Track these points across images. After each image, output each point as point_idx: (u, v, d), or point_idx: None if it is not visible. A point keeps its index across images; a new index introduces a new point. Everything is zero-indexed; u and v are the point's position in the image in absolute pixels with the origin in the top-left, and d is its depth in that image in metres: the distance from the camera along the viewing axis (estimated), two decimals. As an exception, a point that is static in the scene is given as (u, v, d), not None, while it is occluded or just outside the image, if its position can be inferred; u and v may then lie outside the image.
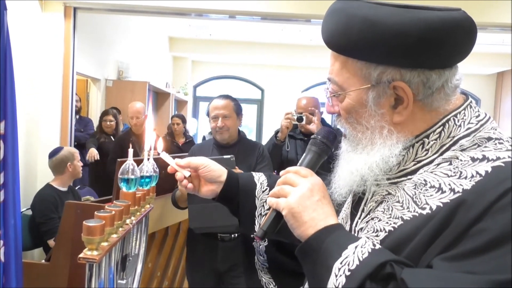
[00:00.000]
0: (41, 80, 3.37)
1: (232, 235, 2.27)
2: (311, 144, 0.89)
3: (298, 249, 0.75)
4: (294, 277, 0.96)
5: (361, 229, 0.80)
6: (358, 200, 0.85)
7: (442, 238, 0.66)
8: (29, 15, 3.19)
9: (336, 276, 0.67)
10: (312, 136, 0.90)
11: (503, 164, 0.68)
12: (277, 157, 2.80)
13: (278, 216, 0.81)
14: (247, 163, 2.25)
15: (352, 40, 0.73)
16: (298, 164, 0.87)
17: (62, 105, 3.47)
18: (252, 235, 0.91)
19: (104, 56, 5.20)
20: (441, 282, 0.61)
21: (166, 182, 2.34)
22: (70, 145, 3.50)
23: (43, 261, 2.70)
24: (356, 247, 0.69)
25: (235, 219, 2.13)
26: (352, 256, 0.67)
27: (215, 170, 1.00)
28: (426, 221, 0.69)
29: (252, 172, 1.11)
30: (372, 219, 0.78)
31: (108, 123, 4.34)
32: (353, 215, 0.85)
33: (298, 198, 0.76)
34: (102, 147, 4.19)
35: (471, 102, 0.80)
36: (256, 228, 1.04)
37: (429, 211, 0.69)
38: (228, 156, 2.07)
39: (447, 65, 0.74)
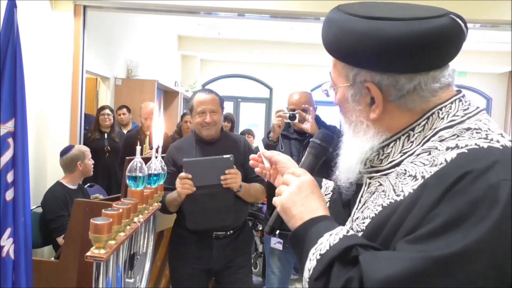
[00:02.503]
0: (51, 78, 3.39)
1: (228, 232, 2.23)
2: (310, 147, 0.98)
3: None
4: None
5: (357, 218, 0.86)
6: (356, 192, 0.91)
7: (407, 222, 0.71)
8: (39, 14, 3.21)
9: (310, 260, 0.75)
10: (311, 139, 0.99)
11: (466, 151, 0.71)
12: None
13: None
14: (235, 159, 2.13)
15: (333, 44, 0.83)
16: (299, 165, 0.97)
17: (71, 103, 3.48)
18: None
19: (113, 55, 5.22)
20: (390, 261, 0.67)
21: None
22: (80, 143, 3.51)
23: (53, 258, 2.72)
24: (330, 234, 0.76)
25: (230, 219, 2.14)
26: (325, 243, 0.75)
27: (292, 168, 1.07)
28: (398, 206, 0.75)
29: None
30: (366, 208, 0.84)
31: (105, 116, 4.26)
32: (352, 206, 0.91)
33: (288, 194, 0.85)
34: (93, 145, 4.04)
35: (462, 96, 0.82)
36: None
37: (402, 198, 0.75)
38: (228, 156, 2.05)
39: (419, 69, 0.78)
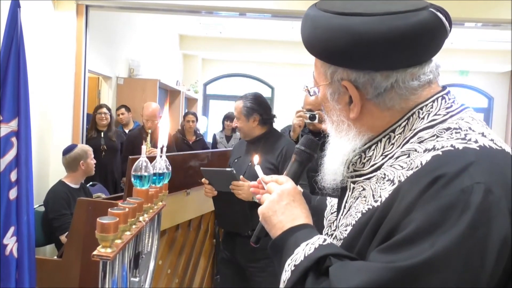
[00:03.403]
0: (54, 77, 3.40)
1: (247, 233, 2.35)
2: (294, 154, 0.96)
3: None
4: None
5: (341, 225, 0.83)
6: (340, 197, 0.89)
7: (381, 229, 0.68)
8: (42, 14, 3.22)
9: (285, 271, 0.74)
10: (296, 146, 0.96)
11: (441, 153, 0.68)
12: None
13: None
14: (266, 161, 2.29)
15: (309, 41, 0.80)
16: (284, 173, 0.94)
17: (74, 103, 3.49)
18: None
19: (115, 54, 5.23)
20: (357, 271, 0.64)
21: (177, 179, 2.35)
22: (82, 143, 3.52)
23: (56, 257, 2.73)
24: (307, 244, 0.74)
25: (244, 227, 2.32)
26: (301, 253, 0.72)
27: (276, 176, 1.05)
28: (374, 212, 0.71)
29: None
30: (349, 215, 0.82)
31: (102, 115, 4.22)
32: (338, 211, 0.89)
33: (268, 203, 0.83)
34: (90, 144, 4.04)
35: (446, 93, 0.78)
36: None
37: (379, 204, 0.72)
38: (229, 169, 2.22)
39: (395, 66, 0.74)
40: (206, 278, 3.21)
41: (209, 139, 6.99)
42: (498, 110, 8.83)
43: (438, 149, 0.69)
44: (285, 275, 0.73)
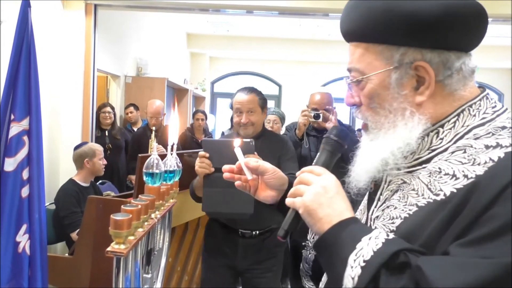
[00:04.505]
0: (63, 77, 3.43)
1: (253, 232, 2.22)
2: (324, 143, 0.91)
3: (314, 244, 0.78)
4: None
5: (377, 217, 0.82)
6: (374, 190, 0.87)
7: (456, 224, 0.67)
8: (51, 13, 3.24)
9: (352, 267, 0.69)
10: (325, 135, 0.93)
11: None
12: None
13: (297, 215, 0.83)
14: (271, 156, 2.16)
15: (373, 25, 0.77)
16: (313, 163, 0.90)
17: (83, 102, 3.52)
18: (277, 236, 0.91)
19: (123, 53, 5.26)
20: (457, 268, 0.63)
21: (186, 177, 2.36)
22: (92, 141, 3.55)
23: (67, 254, 2.76)
24: (370, 238, 0.71)
25: (249, 207, 2.04)
26: (367, 248, 0.70)
27: (280, 178, 1.00)
28: (441, 206, 0.70)
29: None
30: (388, 207, 0.80)
31: (106, 114, 4.21)
32: (369, 204, 0.87)
33: (313, 195, 0.78)
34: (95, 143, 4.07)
35: (487, 94, 0.81)
36: (309, 236, 1.06)
37: (443, 197, 0.71)
38: (248, 140, 1.93)
39: (464, 48, 0.77)
40: (215, 275, 3.22)
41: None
42: (508, 106, 8.69)
43: (507, 146, 0.70)
44: (353, 271, 0.69)
